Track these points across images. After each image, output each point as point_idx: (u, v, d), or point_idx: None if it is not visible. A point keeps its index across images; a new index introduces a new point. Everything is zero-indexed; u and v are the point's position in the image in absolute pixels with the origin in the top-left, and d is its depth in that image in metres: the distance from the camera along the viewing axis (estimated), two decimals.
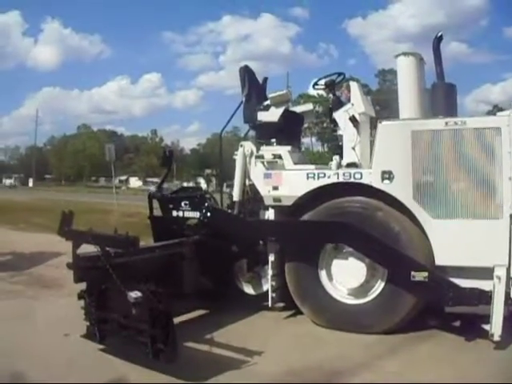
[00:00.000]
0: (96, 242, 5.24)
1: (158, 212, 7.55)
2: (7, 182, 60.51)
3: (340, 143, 6.76)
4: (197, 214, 6.87)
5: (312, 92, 7.88)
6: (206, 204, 6.84)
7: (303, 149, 9.94)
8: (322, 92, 7.48)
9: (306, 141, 64.92)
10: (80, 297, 5.28)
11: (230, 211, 6.92)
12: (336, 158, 6.50)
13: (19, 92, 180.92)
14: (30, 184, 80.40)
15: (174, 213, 7.24)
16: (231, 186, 7.06)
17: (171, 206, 7.29)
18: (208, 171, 71.49)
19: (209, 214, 6.53)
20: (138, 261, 5.66)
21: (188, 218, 7.12)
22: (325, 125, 53.09)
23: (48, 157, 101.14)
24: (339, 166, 6.41)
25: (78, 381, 4.58)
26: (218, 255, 6.63)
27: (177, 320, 5.65)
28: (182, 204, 7.16)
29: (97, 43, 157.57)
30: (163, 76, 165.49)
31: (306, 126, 8.36)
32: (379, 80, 74.04)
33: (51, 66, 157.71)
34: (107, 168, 42.93)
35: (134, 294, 4.61)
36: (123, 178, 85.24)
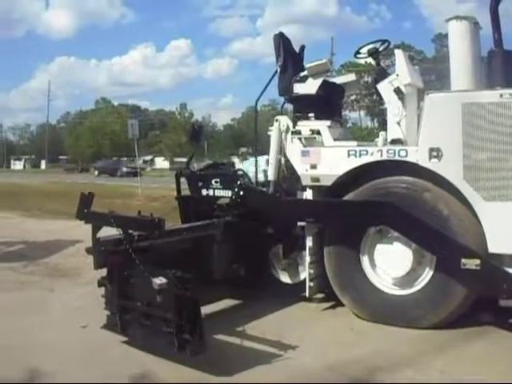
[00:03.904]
0: (118, 225, 5.40)
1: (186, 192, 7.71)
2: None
3: (386, 118, 6.79)
4: (228, 193, 6.98)
5: (360, 60, 7.90)
6: (239, 182, 6.95)
7: (350, 124, 9.98)
8: (370, 60, 7.55)
9: (353, 115, 64.19)
10: (100, 284, 5.46)
11: (264, 189, 7.03)
12: (383, 134, 6.61)
13: (29, 63, 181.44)
14: (43, 166, 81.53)
15: (204, 191, 7.36)
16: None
17: (200, 184, 7.42)
18: (243, 149, 71.45)
19: (242, 193, 6.65)
20: (164, 244, 5.80)
21: (219, 198, 7.23)
22: (374, 97, 52.42)
23: (62, 135, 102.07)
24: (385, 142, 6.51)
25: (98, 378, 4.70)
26: (252, 238, 6.73)
27: (206, 310, 5.81)
28: (213, 182, 7.27)
29: (117, 6, 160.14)
30: (193, 43, 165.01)
31: (353, 98, 8.44)
32: (436, 46, 72.71)
33: (65, 33, 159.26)
34: (129, 147, 43.53)
35: (159, 281, 4.72)
36: (148, 158, 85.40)
